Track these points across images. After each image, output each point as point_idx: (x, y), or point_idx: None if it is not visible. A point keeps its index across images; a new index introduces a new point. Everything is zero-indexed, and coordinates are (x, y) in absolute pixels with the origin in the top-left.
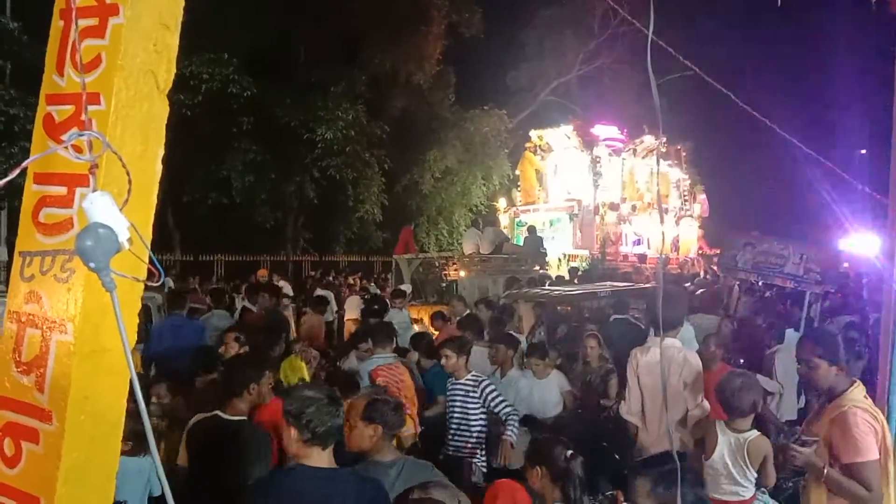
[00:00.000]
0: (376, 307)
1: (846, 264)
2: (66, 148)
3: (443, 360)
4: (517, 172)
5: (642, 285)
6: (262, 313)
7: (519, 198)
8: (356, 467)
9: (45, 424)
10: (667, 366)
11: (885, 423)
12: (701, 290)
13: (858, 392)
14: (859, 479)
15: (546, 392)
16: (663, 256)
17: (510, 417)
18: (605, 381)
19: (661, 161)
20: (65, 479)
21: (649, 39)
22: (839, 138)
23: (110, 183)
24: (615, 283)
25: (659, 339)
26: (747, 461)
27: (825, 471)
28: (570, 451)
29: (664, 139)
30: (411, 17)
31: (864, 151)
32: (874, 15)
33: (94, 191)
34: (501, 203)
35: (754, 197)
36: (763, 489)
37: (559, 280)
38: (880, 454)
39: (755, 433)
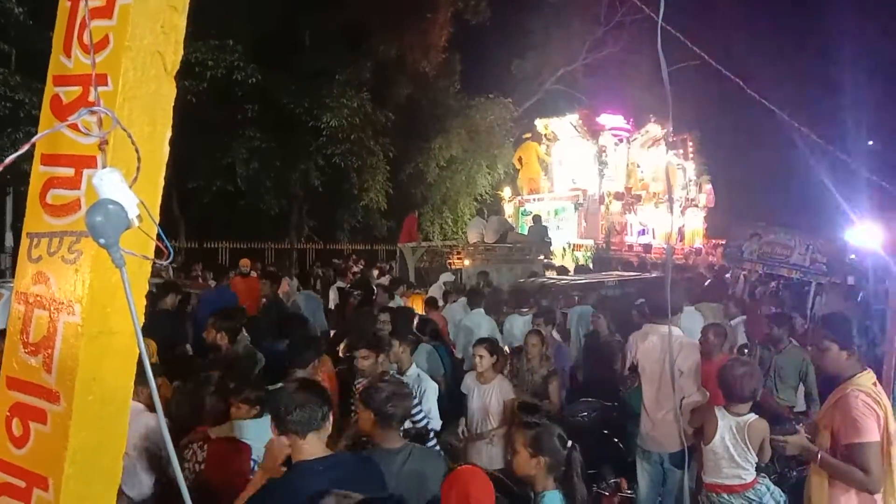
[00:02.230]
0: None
1: (853, 255)
2: (74, 126)
3: (358, 361)
4: (519, 160)
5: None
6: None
7: (520, 187)
8: (363, 452)
9: (53, 405)
10: (664, 352)
11: (888, 408)
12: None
13: (866, 379)
14: (857, 461)
15: (486, 400)
16: (671, 245)
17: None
18: (546, 384)
19: (667, 150)
20: (72, 459)
21: (659, 26)
22: (847, 129)
23: (118, 163)
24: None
25: (657, 326)
26: (748, 443)
27: (819, 455)
28: (570, 442)
29: (670, 128)
30: (417, 4)
31: (871, 143)
32: (885, 5)
33: (104, 167)
34: (506, 192)
35: (761, 187)
36: (764, 474)
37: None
38: (882, 440)
39: (754, 416)
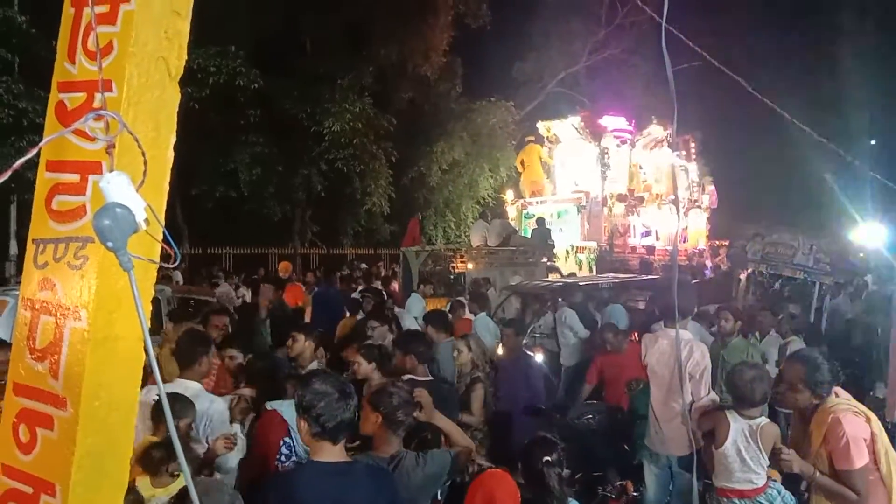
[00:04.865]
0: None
1: (862, 254)
2: (79, 132)
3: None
4: (521, 163)
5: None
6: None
7: (522, 190)
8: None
9: (60, 411)
10: (673, 356)
11: (867, 410)
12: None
13: (834, 397)
14: (850, 485)
15: None
16: (676, 248)
17: None
18: (469, 392)
19: (671, 151)
20: (79, 465)
21: (663, 27)
22: (850, 128)
23: (124, 168)
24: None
25: (668, 329)
26: (761, 447)
27: (816, 477)
28: (547, 458)
29: (674, 129)
30: (417, 8)
31: (873, 142)
32: (887, 3)
33: (111, 171)
34: (509, 195)
35: (764, 188)
36: (774, 479)
37: None
38: (870, 452)
39: (765, 419)
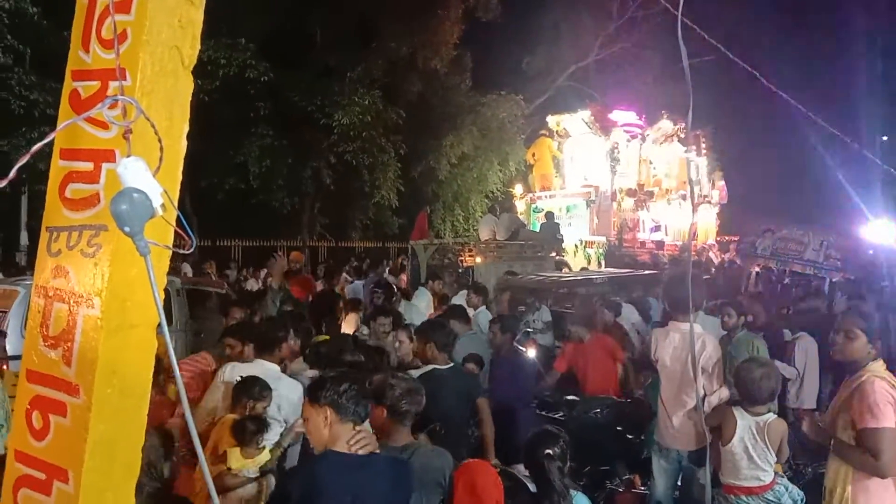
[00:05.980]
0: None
1: (871, 251)
2: (92, 120)
3: None
4: (532, 156)
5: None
6: None
7: (532, 183)
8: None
9: (73, 398)
10: (686, 350)
11: None
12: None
13: (879, 365)
14: (869, 445)
15: None
16: (689, 242)
17: None
18: None
19: (680, 146)
20: (92, 451)
21: (679, 19)
22: (862, 124)
23: (139, 155)
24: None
25: (679, 323)
26: (768, 444)
27: (832, 439)
28: (548, 451)
29: (688, 121)
30: (428, 2)
31: (885, 138)
32: None
33: (128, 156)
34: (518, 189)
35: (775, 183)
36: (782, 475)
37: None
38: None
39: (773, 416)
